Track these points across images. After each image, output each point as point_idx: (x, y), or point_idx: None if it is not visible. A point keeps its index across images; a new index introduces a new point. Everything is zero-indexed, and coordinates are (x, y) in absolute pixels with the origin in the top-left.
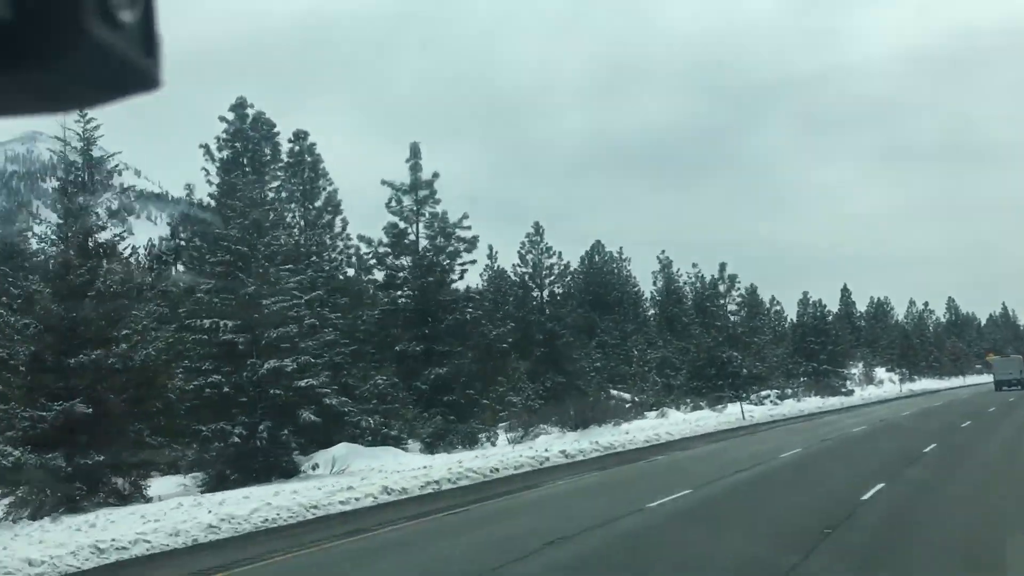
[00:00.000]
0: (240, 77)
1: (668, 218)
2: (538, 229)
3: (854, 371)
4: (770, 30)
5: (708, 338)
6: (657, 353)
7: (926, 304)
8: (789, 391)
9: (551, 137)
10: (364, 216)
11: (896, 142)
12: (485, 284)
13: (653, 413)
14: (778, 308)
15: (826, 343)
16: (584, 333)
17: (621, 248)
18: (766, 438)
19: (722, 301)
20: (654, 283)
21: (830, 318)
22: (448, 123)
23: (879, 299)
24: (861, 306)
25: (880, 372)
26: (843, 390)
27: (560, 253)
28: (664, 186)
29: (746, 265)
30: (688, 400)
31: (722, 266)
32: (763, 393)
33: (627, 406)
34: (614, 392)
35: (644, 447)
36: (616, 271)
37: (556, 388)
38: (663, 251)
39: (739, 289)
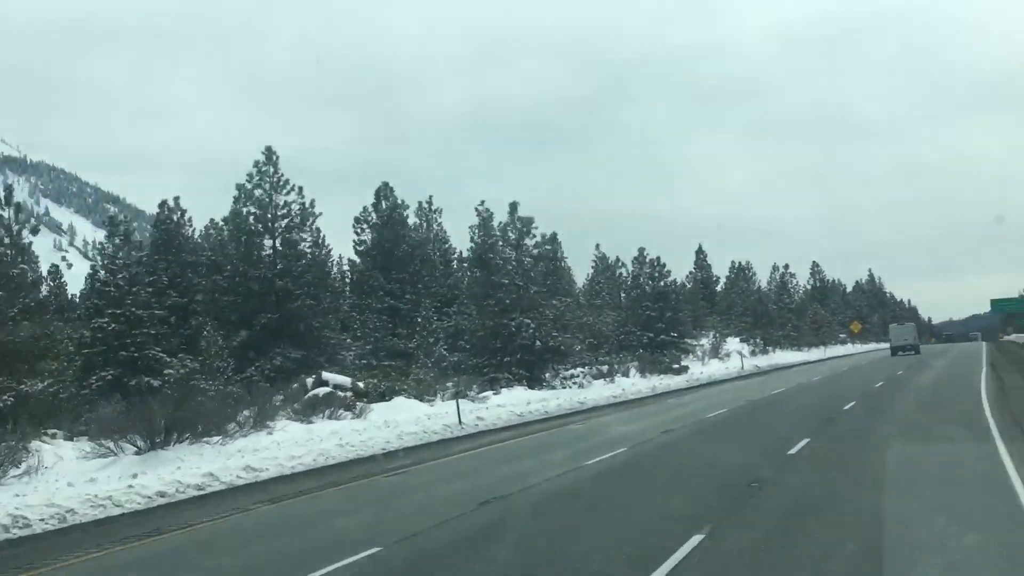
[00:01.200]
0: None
1: (549, 188)
2: (270, 156)
3: (704, 342)
4: (647, 3)
5: (492, 301)
6: (450, 322)
7: (787, 266)
8: (607, 368)
9: (430, 108)
10: None
11: (768, 116)
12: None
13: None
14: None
15: (665, 309)
16: (368, 296)
17: (431, 198)
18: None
19: (510, 253)
20: (471, 239)
21: (672, 279)
22: (325, 95)
23: (740, 263)
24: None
25: (733, 343)
26: (675, 367)
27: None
28: (544, 156)
29: (624, 234)
30: (451, 384)
31: (512, 207)
32: (569, 373)
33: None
34: (327, 375)
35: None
36: (423, 225)
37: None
38: (482, 202)
39: (535, 238)
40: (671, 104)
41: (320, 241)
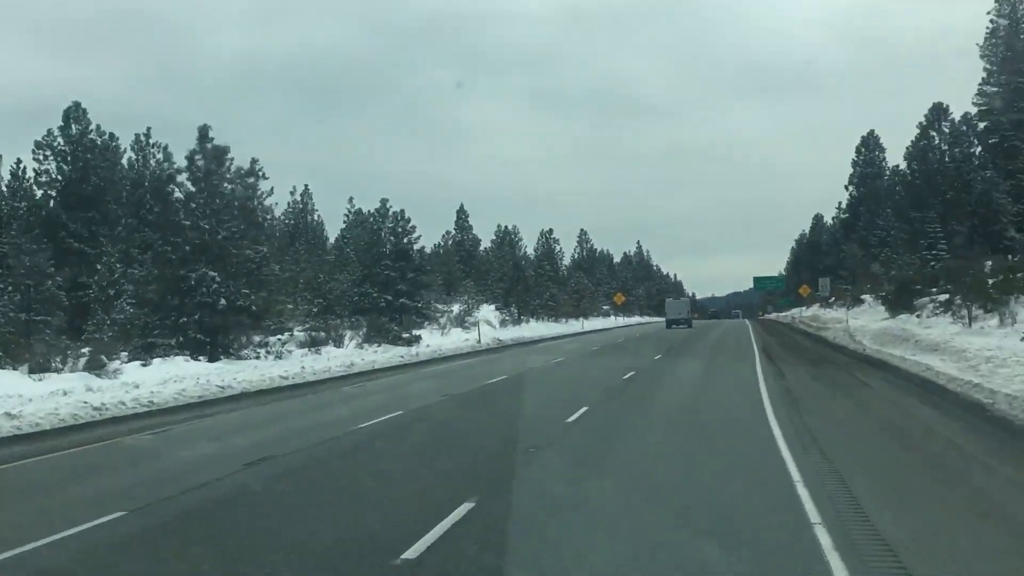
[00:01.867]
0: None
1: (326, 146)
2: None
3: (455, 308)
4: None
5: (168, 247)
6: (141, 271)
7: (551, 232)
8: (322, 336)
9: (208, 60)
10: None
11: (551, 88)
12: None
13: None
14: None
15: (406, 270)
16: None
17: (148, 129)
18: None
19: (192, 189)
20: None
21: (416, 236)
22: (95, 35)
23: (506, 227)
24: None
25: (488, 311)
26: (404, 336)
27: None
28: (328, 116)
29: (399, 198)
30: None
31: (202, 131)
32: (274, 340)
33: None
34: None
35: None
36: (139, 161)
37: None
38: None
39: (231, 167)
40: (455, 69)
41: None
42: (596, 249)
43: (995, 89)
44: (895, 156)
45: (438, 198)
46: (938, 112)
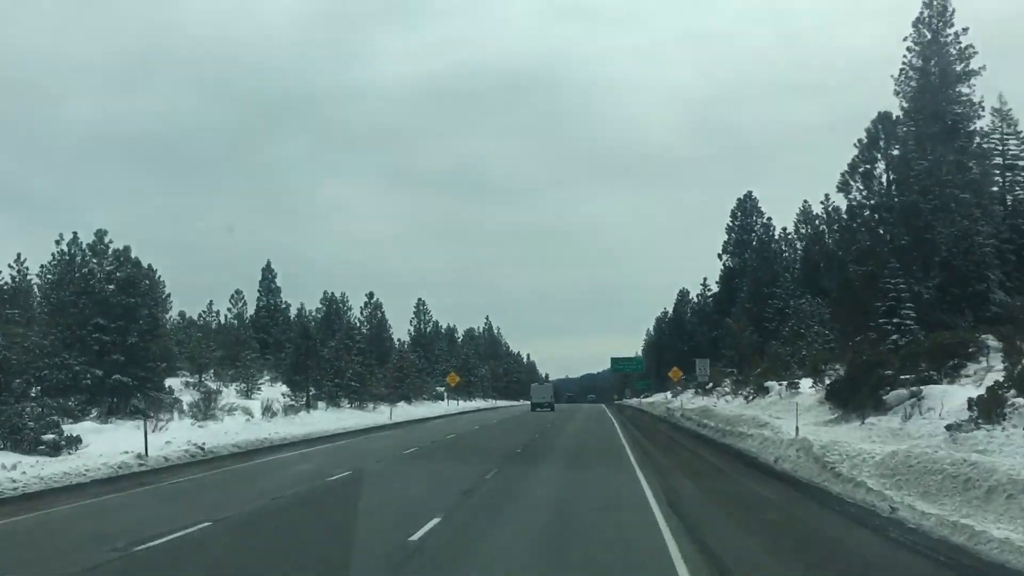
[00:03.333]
0: None
1: (180, 217)
2: None
3: (232, 388)
4: (287, 42)
5: None
6: None
7: (371, 296)
8: None
9: (61, 124)
10: None
11: (406, 166)
12: None
13: None
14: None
15: (128, 330)
16: None
17: None
18: None
19: None
20: None
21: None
22: None
23: (333, 294)
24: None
25: (270, 391)
26: (48, 439)
27: None
28: (178, 184)
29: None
30: None
31: None
32: None
33: None
34: None
35: None
36: None
37: None
38: None
39: None
40: (310, 145)
41: None
42: (440, 324)
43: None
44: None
45: (292, 272)
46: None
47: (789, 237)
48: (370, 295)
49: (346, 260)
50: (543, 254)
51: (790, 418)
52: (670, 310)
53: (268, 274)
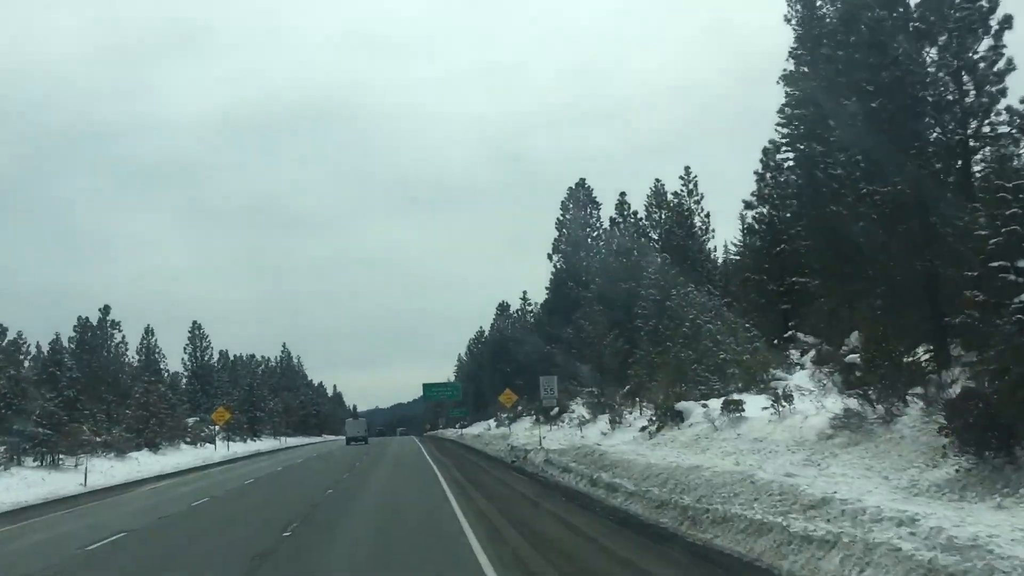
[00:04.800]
0: None
1: None
2: None
3: None
4: (74, 77)
5: None
6: None
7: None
8: None
9: None
10: None
11: (204, 200)
12: None
13: None
14: None
15: None
16: None
17: None
18: None
19: None
20: None
21: None
22: None
23: (87, 319)
24: None
25: None
26: None
27: None
28: None
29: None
30: None
31: None
32: None
33: None
34: None
35: None
36: None
37: None
38: None
39: None
40: (99, 181)
41: None
42: (230, 354)
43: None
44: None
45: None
46: None
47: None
48: (148, 329)
49: (138, 296)
50: (349, 284)
51: (803, 470)
52: (486, 329)
53: None
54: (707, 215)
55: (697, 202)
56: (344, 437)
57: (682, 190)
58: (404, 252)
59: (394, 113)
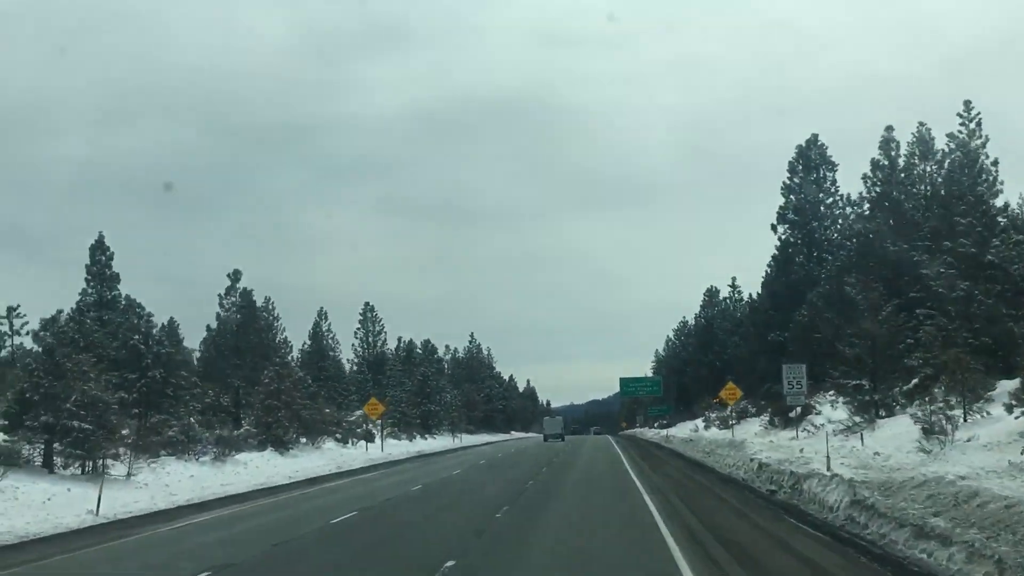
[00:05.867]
0: None
1: (176, 250)
2: None
3: None
4: (276, 74)
5: None
6: None
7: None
8: None
9: (49, 159)
10: None
11: (397, 196)
12: None
13: None
14: None
15: None
16: None
17: None
18: None
19: None
20: None
21: None
22: None
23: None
24: None
25: None
26: None
27: None
28: (174, 218)
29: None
30: None
31: None
32: None
33: None
34: None
35: None
36: None
37: None
38: None
39: None
40: (303, 175)
41: None
42: (405, 341)
43: None
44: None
45: (281, 300)
46: None
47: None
48: (321, 312)
49: (335, 288)
50: (540, 280)
51: None
52: (689, 319)
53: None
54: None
55: (982, 145)
56: (541, 435)
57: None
58: (596, 247)
59: (582, 108)
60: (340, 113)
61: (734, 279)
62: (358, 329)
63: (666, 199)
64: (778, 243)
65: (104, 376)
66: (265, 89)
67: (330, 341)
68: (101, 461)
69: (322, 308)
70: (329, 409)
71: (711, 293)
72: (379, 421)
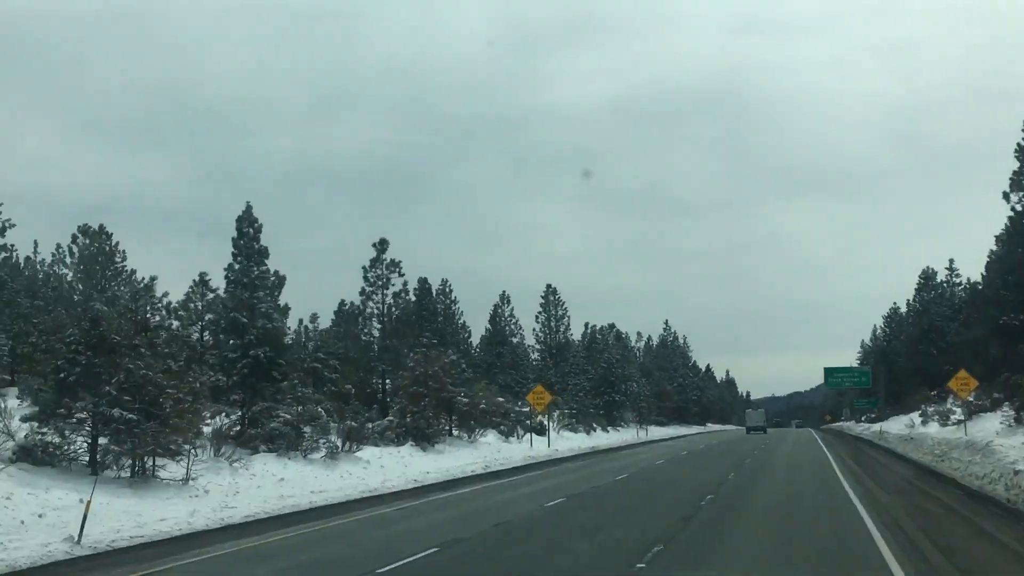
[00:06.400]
0: None
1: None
2: None
3: None
4: (476, 68)
5: None
6: None
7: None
8: None
9: (260, 154)
10: None
11: (597, 187)
12: None
13: None
14: None
15: None
16: None
17: None
18: None
19: None
20: None
21: None
22: (152, 131)
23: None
24: None
25: None
26: None
27: None
28: (375, 209)
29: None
30: None
31: None
32: None
33: None
34: None
35: None
36: None
37: None
38: None
39: None
40: (501, 167)
41: None
42: (591, 327)
43: None
44: None
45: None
46: None
47: None
48: (503, 296)
49: (524, 277)
50: (741, 269)
51: None
52: (901, 307)
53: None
54: None
55: None
56: (738, 427)
57: None
58: (799, 235)
59: (784, 95)
60: (541, 105)
61: (951, 261)
62: (539, 313)
63: (872, 185)
64: (1011, 213)
65: (201, 355)
66: (468, 82)
67: (512, 327)
68: (150, 460)
69: (504, 292)
70: (503, 398)
71: (927, 275)
72: (540, 411)
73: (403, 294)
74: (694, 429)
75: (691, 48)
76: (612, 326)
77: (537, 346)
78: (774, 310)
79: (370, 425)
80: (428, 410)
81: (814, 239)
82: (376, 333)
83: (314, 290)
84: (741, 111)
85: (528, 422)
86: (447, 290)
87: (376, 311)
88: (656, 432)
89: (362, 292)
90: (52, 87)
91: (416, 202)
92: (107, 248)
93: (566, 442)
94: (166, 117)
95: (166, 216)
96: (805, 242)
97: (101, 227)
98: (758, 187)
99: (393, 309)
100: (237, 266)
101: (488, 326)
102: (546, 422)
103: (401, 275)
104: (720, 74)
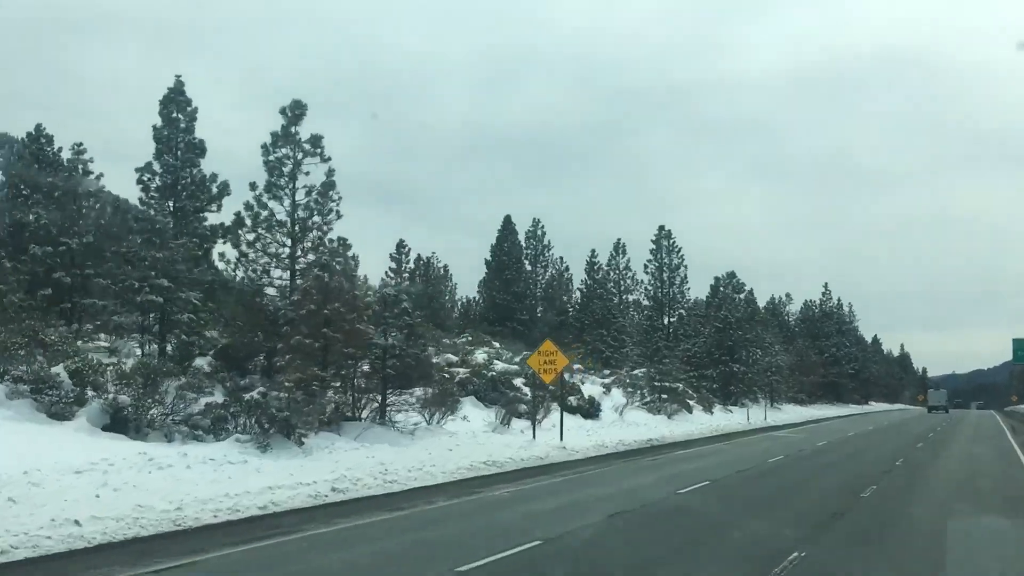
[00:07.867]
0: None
1: (552, 210)
2: None
3: None
4: (652, 36)
5: None
6: None
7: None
8: None
9: (434, 123)
10: None
11: (773, 156)
12: None
13: None
14: None
15: None
16: None
17: None
18: None
19: None
20: None
21: None
22: (328, 102)
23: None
24: None
25: None
26: None
27: None
28: (548, 179)
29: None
30: None
31: None
32: None
33: None
34: None
35: None
36: None
37: None
38: None
39: None
40: (674, 137)
41: None
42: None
43: None
44: None
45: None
46: None
47: None
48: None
49: (705, 249)
50: (923, 242)
51: None
52: None
53: None
54: None
55: None
56: (907, 407)
57: None
58: (988, 206)
59: (972, 62)
60: (717, 74)
61: None
62: (649, 261)
63: None
64: None
65: None
66: (642, 52)
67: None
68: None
69: (619, 240)
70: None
71: None
72: (556, 385)
73: None
74: (848, 409)
75: (874, 16)
76: (732, 275)
77: (646, 302)
78: (958, 284)
79: None
80: None
81: (1006, 209)
82: None
83: None
84: (927, 79)
85: (575, 400)
86: (539, 233)
87: None
88: (791, 413)
89: None
90: (230, 62)
91: (588, 171)
92: None
93: (624, 429)
94: (340, 89)
95: (346, 184)
96: (996, 212)
97: None
98: (946, 157)
99: None
100: None
101: (586, 277)
102: (602, 396)
103: None
104: (904, 43)
